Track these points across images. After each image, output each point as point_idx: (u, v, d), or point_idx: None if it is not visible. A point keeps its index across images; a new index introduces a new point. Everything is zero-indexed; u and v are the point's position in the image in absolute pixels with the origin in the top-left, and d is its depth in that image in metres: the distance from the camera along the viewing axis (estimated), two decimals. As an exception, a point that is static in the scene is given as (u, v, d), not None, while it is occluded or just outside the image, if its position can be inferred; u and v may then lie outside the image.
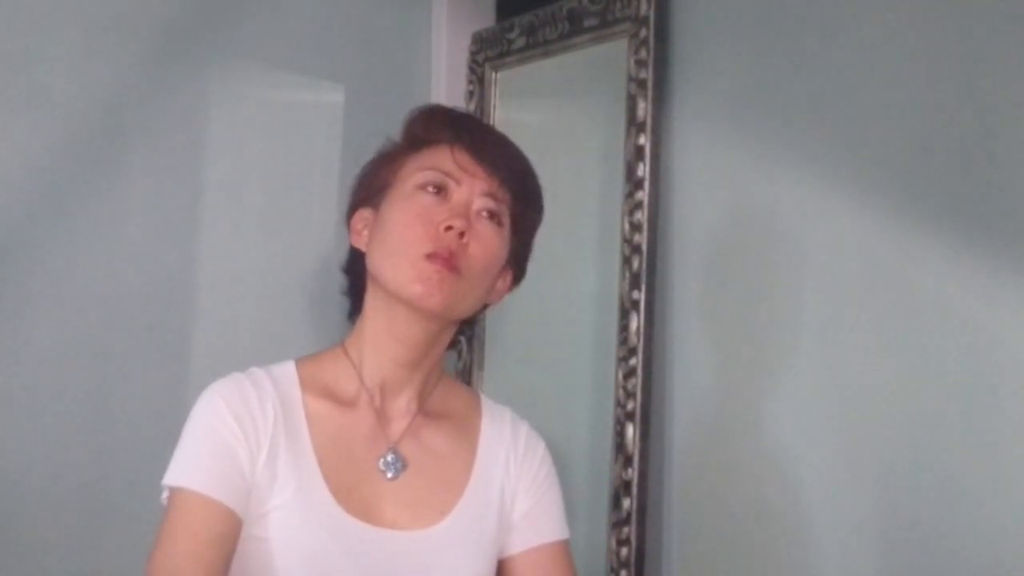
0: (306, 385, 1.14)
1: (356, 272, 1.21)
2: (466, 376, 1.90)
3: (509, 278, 1.22)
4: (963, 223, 1.28)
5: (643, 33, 1.64)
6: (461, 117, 1.23)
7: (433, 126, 1.18)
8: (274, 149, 1.79)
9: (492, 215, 1.14)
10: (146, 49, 1.63)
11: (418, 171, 1.14)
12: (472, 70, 1.99)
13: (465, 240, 1.10)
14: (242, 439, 1.07)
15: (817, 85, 1.45)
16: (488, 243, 1.13)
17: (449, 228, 1.09)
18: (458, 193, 1.13)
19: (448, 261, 1.08)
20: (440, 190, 1.13)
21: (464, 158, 1.14)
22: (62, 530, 1.52)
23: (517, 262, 1.21)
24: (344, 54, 1.88)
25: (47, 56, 1.53)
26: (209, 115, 1.71)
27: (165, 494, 1.08)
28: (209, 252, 1.70)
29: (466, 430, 1.21)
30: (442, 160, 1.14)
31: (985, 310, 1.25)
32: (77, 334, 1.55)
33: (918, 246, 1.32)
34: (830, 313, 1.41)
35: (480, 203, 1.13)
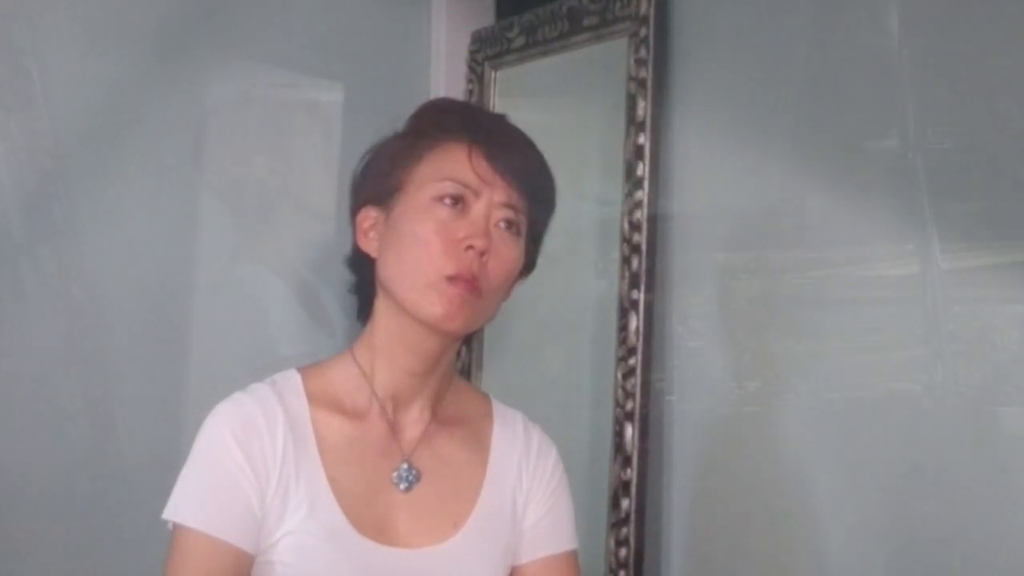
0: (313, 398, 1.11)
1: (361, 272, 1.17)
2: (465, 376, 1.89)
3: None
4: (966, 224, 1.28)
5: (643, 32, 1.64)
6: (475, 114, 1.18)
7: (447, 123, 1.13)
8: (273, 148, 1.78)
9: (510, 224, 1.10)
10: (146, 48, 1.63)
11: (434, 180, 1.09)
12: (471, 69, 1.99)
13: (485, 258, 1.07)
14: (251, 476, 1.04)
15: (816, 84, 1.45)
16: (506, 257, 1.09)
17: (470, 248, 1.06)
18: (477, 206, 1.08)
19: (470, 283, 1.05)
20: (458, 201, 1.08)
21: (482, 165, 1.09)
22: (59, 531, 1.51)
23: (528, 257, 1.17)
24: (343, 53, 1.87)
25: (47, 55, 1.52)
26: (208, 114, 1.70)
27: (169, 526, 1.05)
28: (208, 252, 1.70)
29: (478, 436, 1.19)
30: (459, 168, 1.09)
31: (989, 311, 1.25)
32: (75, 333, 1.54)
33: (919, 247, 1.32)
34: (830, 313, 1.41)
35: (499, 214, 1.09)
